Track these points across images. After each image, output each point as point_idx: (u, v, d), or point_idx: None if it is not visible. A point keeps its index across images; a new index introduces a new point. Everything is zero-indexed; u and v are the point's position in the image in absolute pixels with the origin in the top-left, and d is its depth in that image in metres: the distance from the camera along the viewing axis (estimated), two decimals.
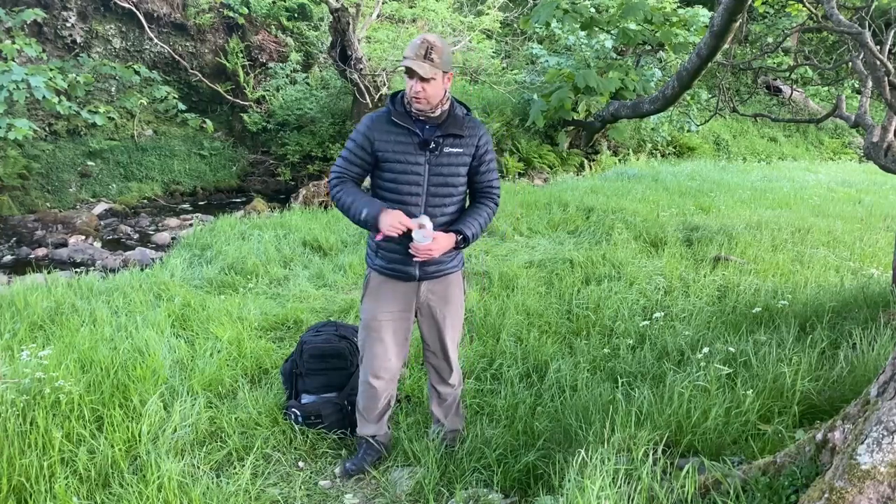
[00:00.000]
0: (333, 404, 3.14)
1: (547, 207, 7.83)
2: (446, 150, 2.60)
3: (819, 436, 2.05)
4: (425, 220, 2.55)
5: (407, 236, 2.55)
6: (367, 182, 2.77)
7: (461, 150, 2.63)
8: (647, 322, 4.10)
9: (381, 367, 2.80)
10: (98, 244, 8.57)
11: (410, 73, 2.51)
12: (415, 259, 2.61)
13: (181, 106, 11.14)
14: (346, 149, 2.67)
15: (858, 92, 8.04)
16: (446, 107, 2.62)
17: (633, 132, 13.89)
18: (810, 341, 3.46)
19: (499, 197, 2.80)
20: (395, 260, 2.68)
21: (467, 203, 2.82)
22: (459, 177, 2.68)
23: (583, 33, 10.53)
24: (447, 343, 2.82)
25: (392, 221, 2.49)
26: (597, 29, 7.75)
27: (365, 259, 2.86)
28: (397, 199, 2.62)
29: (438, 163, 2.61)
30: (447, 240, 2.59)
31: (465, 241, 2.64)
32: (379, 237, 2.55)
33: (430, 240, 2.53)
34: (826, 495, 1.75)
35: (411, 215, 2.58)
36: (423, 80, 2.49)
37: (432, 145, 2.58)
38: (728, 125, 16.02)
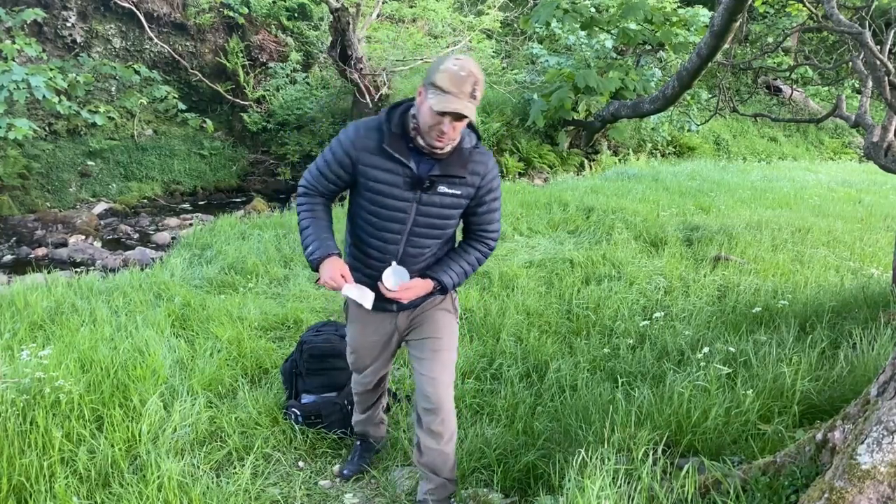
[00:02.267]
0: (333, 404, 3.14)
1: (547, 207, 7.82)
2: (441, 189, 2.21)
3: (819, 436, 2.05)
4: (392, 274, 2.30)
5: (369, 274, 2.36)
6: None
7: (458, 193, 2.24)
8: (647, 322, 4.09)
9: (367, 383, 2.72)
10: (98, 244, 8.58)
11: (454, 115, 2.04)
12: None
13: (181, 105, 11.15)
14: (323, 160, 2.29)
15: (858, 92, 8.04)
16: (456, 142, 2.19)
17: (633, 132, 13.88)
18: (810, 341, 3.46)
19: (495, 241, 2.43)
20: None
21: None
22: (450, 220, 2.32)
23: (583, 33, 10.53)
24: (437, 372, 2.43)
25: (331, 275, 2.20)
26: (597, 29, 7.77)
27: None
28: (374, 235, 2.30)
29: (429, 202, 2.23)
30: (423, 286, 2.32)
31: (442, 290, 2.37)
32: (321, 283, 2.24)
33: (397, 283, 2.28)
34: (826, 495, 1.75)
35: (387, 254, 2.32)
36: (460, 119, 2.07)
37: (426, 184, 2.19)
38: (728, 125, 16.01)
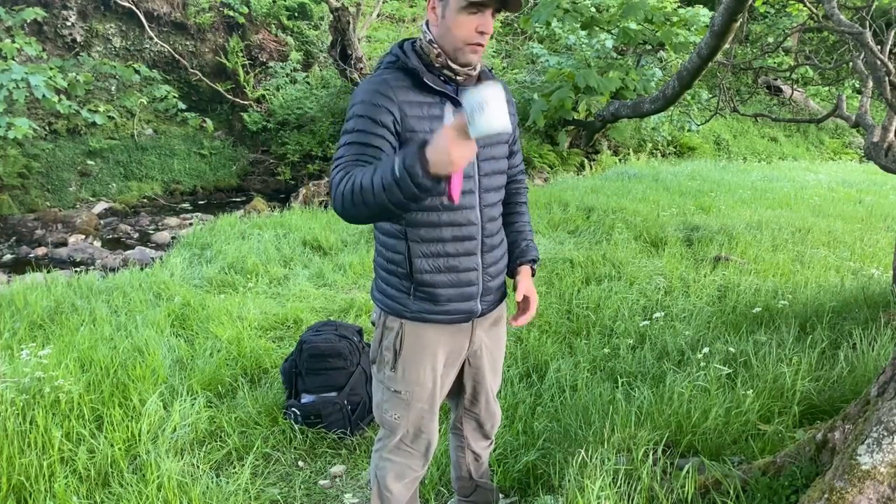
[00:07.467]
0: (333, 404, 3.14)
1: (547, 207, 7.82)
2: None
3: (819, 436, 2.05)
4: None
5: (454, 270, 1.76)
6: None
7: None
8: (647, 322, 4.09)
9: (429, 443, 1.97)
10: (98, 243, 8.57)
11: (480, 2, 1.58)
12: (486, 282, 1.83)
13: (181, 105, 11.15)
14: (357, 129, 1.60)
15: (859, 92, 8.03)
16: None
17: (634, 132, 13.89)
18: (810, 341, 3.46)
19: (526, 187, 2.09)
20: (453, 296, 1.79)
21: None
22: (505, 158, 1.88)
23: (583, 33, 10.52)
24: (495, 387, 2.11)
25: (453, 147, 1.29)
26: (597, 28, 7.76)
27: (380, 304, 1.86)
28: (448, 207, 1.71)
29: (487, 141, 1.70)
30: (530, 281, 1.93)
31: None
32: (454, 193, 1.46)
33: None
34: (826, 495, 1.75)
35: (469, 225, 1.76)
36: (498, 10, 1.63)
37: None
38: (728, 125, 16.01)
